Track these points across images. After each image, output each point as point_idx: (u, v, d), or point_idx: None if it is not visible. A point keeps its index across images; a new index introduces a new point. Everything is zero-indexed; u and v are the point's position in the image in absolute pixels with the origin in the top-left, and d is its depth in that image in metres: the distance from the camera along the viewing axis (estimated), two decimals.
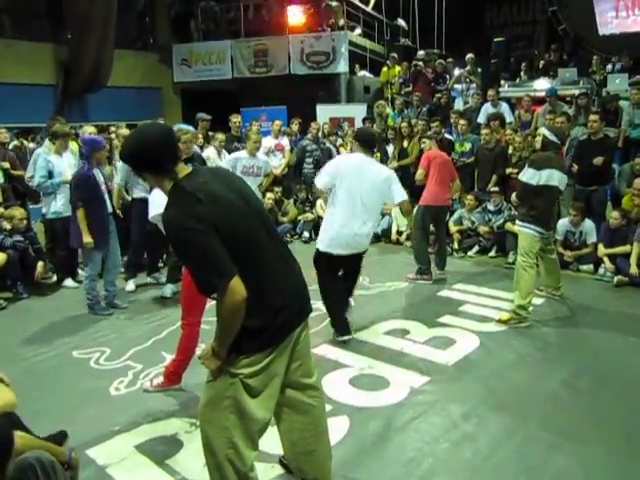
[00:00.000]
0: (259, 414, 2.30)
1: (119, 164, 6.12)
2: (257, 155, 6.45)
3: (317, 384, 2.64)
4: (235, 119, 8.66)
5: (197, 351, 3.61)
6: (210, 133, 8.03)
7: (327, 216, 4.57)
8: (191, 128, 5.45)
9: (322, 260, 4.55)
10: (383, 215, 7.83)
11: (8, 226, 5.98)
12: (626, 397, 3.64)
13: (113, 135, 7.23)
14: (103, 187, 5.31)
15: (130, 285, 6.12)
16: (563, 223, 6.53)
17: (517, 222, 5.18)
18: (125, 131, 6.90)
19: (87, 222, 5.13)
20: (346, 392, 3.73)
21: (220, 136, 7.61)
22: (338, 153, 8.92)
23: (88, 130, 6.85)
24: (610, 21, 14.48)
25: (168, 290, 5.77)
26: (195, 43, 14.24)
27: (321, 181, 4.54)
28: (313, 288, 2.78)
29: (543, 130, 5.20)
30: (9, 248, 5.79)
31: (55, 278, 6.37)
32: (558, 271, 5.53)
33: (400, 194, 4.57)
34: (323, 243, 4.52)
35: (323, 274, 4.58)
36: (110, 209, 5.42)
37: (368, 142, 4.61)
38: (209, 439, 2.29)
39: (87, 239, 5.14)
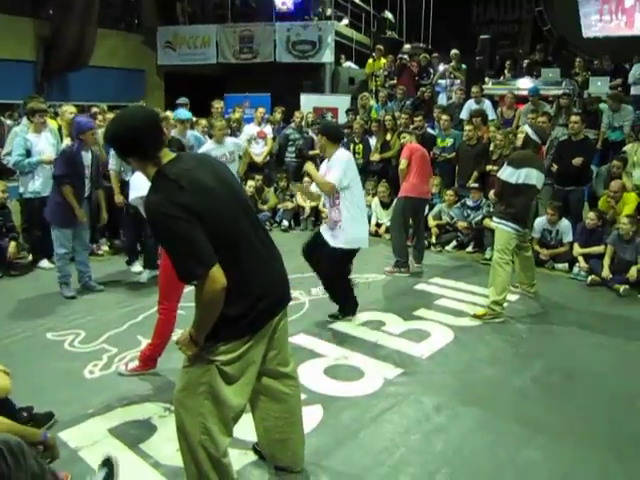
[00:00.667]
0: (234, 401, 2.31)
1: (112, 150, 6.07)
2: (225, 141, 6.39)
3: (293, 373, 2.66)
4: (217, 105, 8.62)
5: (173, 336, 3.61)
6: (193, 118, 7.95)
7: (351, 213, 4.49)
8: (180, 114, 5.37)
9: (347, 256, 4.67)
10: None
11: None
12: (594, 393, 3.72)
13: (100, 117, 7.13)
14: (87, 171, 5.26)
15: (136, 267, 6.05)
16: (540, 221, 6.63)
17: (494, 219, 5.24)
18: (111, 115, 6.80)
19: (64, 200, 5.08)
20: (321, 381, 3.75)
21: (203, 122, 7.55)
22: None
23: (68, 110, 6.73)
24: (594, 24, 14.64)
25: (145, 275, 5.73)
26: (180, 26, 14.02)
27: (344, 180, 4.42)
28: (293, 277, 2.79)
29: (526, 128, 5.26)
30: None
31: (30, 258, 6.28)
32: (533, 269, 5.62)
33: None
34: (358, 240, 4.59)
35: (342, 269, 4.75)
36: (87, 193, 5.36)
37: (336, 136, 4.66)
38: (183, 424, 2.29)
39: (80, 213, 5.15)
